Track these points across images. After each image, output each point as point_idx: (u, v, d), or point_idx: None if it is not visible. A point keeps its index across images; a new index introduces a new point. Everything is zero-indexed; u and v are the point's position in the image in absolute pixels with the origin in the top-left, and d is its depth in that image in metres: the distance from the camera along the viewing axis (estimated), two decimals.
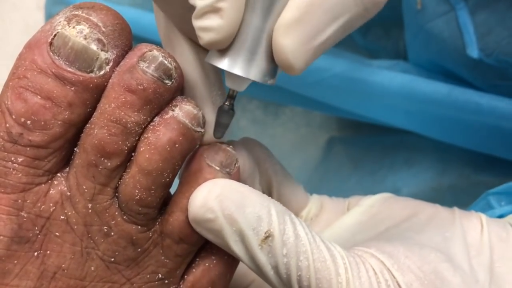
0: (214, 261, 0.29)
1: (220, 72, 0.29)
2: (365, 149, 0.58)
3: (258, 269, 0.27)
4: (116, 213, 0.27)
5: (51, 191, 0.26)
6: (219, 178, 0.28)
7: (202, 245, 0.29)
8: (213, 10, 0.23)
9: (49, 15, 0.56)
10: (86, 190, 0.26)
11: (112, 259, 0.27)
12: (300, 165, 0.60)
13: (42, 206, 0.26)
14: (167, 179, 0.27)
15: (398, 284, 0.28)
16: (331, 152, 0.59)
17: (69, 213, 0.26)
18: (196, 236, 0.28)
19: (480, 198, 0.41)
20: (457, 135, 0.49)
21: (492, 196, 0.40)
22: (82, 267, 0.27)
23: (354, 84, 0.48)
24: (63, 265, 0.26)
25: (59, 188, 0.26)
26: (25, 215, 0.26)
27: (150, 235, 0.28)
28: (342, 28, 0.25)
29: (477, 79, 0.46)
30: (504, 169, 0.51)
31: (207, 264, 0.29)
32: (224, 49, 0.25)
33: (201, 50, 0.29)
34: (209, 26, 0.24)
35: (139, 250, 0.27)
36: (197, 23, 0.24)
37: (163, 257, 0.28)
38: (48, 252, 0.26)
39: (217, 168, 0.28)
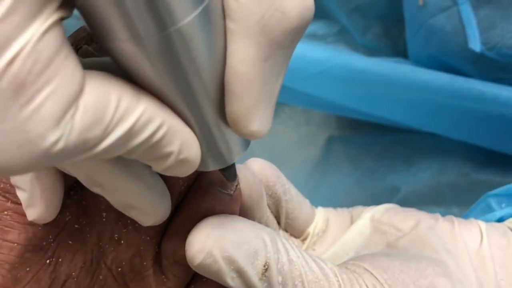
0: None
1: None
2: (364, 148, 0.58)
3: None
4: (129, 221, 0.27)
5: (67, 201, 0.26)
6: (218, 199, 0.27)
7: None
8: None
9: None
10: (102, 200, 0.26)
11: (119, 269, 0.27)
12: (299, 164, 0.60)
13: (58, 216, 0.26)
14: (182, 187, 0.27)
15: None
16: (331, 151, 0.59)
17: (84, 222, 0.26)
18: None
19: (480, 200, 0.41)
20: (459, 127, 0.49)
21: (492, 198, 0.40)
22: (91, 275, 0.27)
23: (355, 74, 0.48)
24: (73, 273, 0.26)
25: (75, 198, 0.26)
26: (40, 224, 0.26)
27: (156, 251, 0.27)
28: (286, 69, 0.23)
29: (479, 73, 0.46)
30: (503, 168, 0.52)
31: (205, 280, 0.28)
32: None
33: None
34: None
35: (144, 263, 0.27)
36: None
37: (163, 276, 0.28)
38: (60, 260, 0.26)
39: (218, 188, 0.27)
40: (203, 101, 0.21)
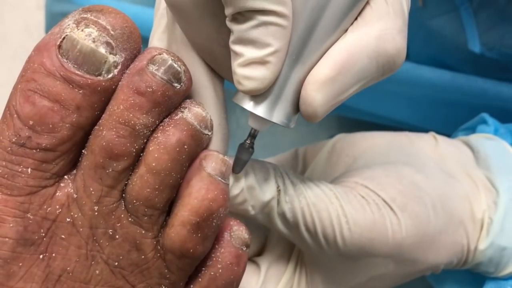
0: (220, 270, 0.28)
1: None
2: None
3: (270, 222, 0.31)
4: (122, 215, 0.27)
5: (57, 194, 0.26)
6: (221, 188, 0.28)
7: (208, 254, 0.29)
8: (261, 62, 0.25)
9: (50, 14, 0.56)
10: (93, 192, 0.26)
11: (116, 263, 0.27)
12: None
13: (48, 209, 0.26)
14: (175, 180, 0.27)
15: (384, 201, 0.32)
16: None
17: (75, 216, 0.26)
18: (198, 251, 0.27)
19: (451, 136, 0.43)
20: (462, 124, 0.49)
21: (460, 132, 0.44)
22: (87, 270, 0.27)
23: None
24: (68, 268, 0.26)
25: (66, 191, 0.26)
26: (31, 217, 0.26)
27: (154, 243, 0.27)
28: (360, 88, 0.27)
29: (479, 74, 0.46)
30: None
31: (212, 273, 0.28)
32: None
33: (214, 73, 0.30)
34: (254, 76, 0.25)
35: (142, 257, 0.27)
36: (241, 71, 0.26)
37: (166, 270, 0.28)
38: (54, 254, 0.26)
39: (219, 178, 0.28)
40: (312, 48, 0.26)
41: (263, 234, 0.36)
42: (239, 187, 0.30)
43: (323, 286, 0.34)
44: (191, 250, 0.27)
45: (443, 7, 0.45)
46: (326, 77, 0.26)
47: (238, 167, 0.30)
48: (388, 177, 0.33)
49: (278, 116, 0.27)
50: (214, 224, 0.27)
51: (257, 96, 0.27)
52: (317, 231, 0.31)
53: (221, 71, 0.29)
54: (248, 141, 0.29)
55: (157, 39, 0.30)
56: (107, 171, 0.26)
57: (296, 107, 0.27)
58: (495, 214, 0.35)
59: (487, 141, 0.39)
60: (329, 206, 0.31)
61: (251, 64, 0.25)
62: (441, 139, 0.39)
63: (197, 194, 0.27)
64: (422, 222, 0.33)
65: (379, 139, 0.38)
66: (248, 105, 0.27)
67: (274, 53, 0.25)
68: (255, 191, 0.30)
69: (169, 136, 0.26)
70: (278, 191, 0.31)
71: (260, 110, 0.27)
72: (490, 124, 0.41)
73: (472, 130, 0.43)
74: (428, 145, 0.38)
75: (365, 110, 0.52)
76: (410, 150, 0.37)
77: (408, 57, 0.52)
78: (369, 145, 0.38)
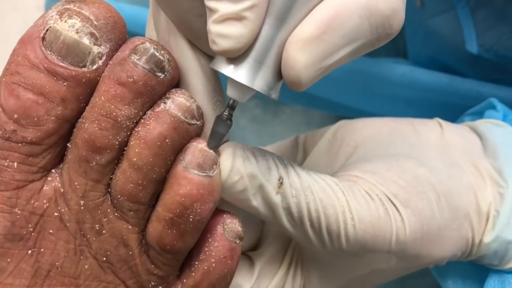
0: (214, 264, 0.28)
1: (221, 79, 0.29)
2: None
3: (273, 215, 0.29)
4: (108, 210, 0.26)
5: (45, 188, 0.26)
6: (196, 182, 0.26)
7: (201, 247, 0.28)
8: (237, 18, 0.23)
9: None
10: (78, 187, 0.26)
11: (105, 259, 0.27)
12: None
13: (36, 203, 0.26)
14: (159, 175, 0.26)
15: (387, 196, 0.31)
16: None
17: (62, 210, 0.26)
18: (176, 246, 0.27)
19: (458, 120, 0.43)
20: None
21: (466, 117, 0.43)
22: (76, 265, 0.27)
23: (355, 75, 0.48)
24: (57, 263, 0.26)
25: (53, 185, 0.26)
26: (19, 212, 0.26)
27: (140, 238, 0.27)
28: (352, 53, 0.25)
29: (476, 74, 0.46)
30: None
31: (206, 268, 0.28)
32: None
33: (202, 54, 0.28)
34: (229, 34, 0.23)
35: (130, 253, 0.27)
36: (215, 28, 0.24)
37: (152, 266, 0.27)
38: (42, 249, 0.26)
39: (194, 171, 0.26)
40: (291, 13, 0.24)
41: (258, 228, 0.35)
42: (238, 174, 0.27)
43: (320, 280, 0.33)
44: (168, 246, 0.27)
45: (441, 6, 0.45)
46: (310, 36, 0.24)
47: (213, 141, 0.27)
48: (389, 172, 0.32)
49: (259, 83, 0.24)
50: (191, 219, 0.26)
51: (236, 60, 0.24)
52: (322, 227, 0.29)
53: (203, 46, 0.28)
54: (226, 112, 0.27)
55: (151, 29, 0.30)
56: (91, 164, 0.26)
57: (280, 74, 0.25)
58: (501, 207, 0.34)
59: (495, 127, 0.37)
60: (336, 202, 0.29)
61: (226, 20, 0.23)
62: (447, 126, 0.37)
63: (169, 190, 0.27)
64: (425, 218, 0.31)
65: (381, 127, 0.37)
66: (226, 69, 0.24)
67: (251, 8, 0.23)
68: (257, 179, 0.28)
69: (150, 130, 0.26)
70: (280, 183, 0.28)
71: (239, 75, 0.24)
72: (499, 109, 0.39)
73: (480, 115, 0.41)
74: (433, 133, 0.36)
75: (364, 111, 0.52)
76: (413, 139, 0.36)
77: (407, 57, 0.52)
78: (370, 133, 0.36)
